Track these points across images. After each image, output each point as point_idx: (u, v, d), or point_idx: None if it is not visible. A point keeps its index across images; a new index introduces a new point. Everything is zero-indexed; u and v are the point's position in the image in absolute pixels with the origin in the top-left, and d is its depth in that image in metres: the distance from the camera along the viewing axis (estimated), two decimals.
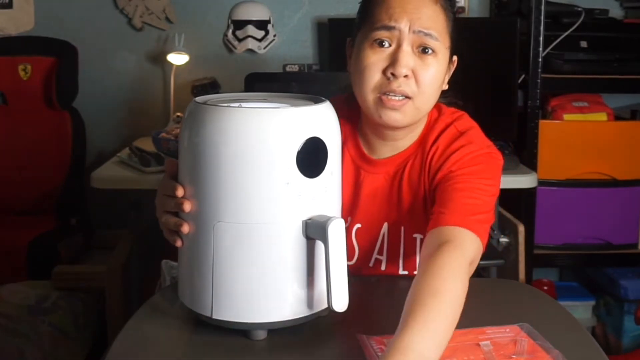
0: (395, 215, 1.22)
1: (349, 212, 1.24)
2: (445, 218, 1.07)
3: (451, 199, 1.11)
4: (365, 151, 1.25)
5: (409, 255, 1.22)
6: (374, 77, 1.14)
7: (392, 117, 1.15)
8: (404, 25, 1.12)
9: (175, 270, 1.62)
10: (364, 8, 1.20)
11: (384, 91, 1.13)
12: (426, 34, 1.12)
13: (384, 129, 1.20)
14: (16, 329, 2.09)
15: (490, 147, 1.20)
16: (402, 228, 1.22)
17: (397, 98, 1.13)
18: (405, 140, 1.23)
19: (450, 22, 1.17)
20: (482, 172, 1.14)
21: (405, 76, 1.12)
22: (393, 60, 1.12)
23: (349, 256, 1.23)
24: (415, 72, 1.13)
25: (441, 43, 1.14)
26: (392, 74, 1.12)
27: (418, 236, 1.22)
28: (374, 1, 1.17)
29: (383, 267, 1.24)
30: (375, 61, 1.13)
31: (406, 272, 1.23)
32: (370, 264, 1.25)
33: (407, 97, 1.13)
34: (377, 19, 1.14)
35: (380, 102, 1.14)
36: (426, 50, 1.13)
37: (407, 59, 1.12)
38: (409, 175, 1.21)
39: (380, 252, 1.24)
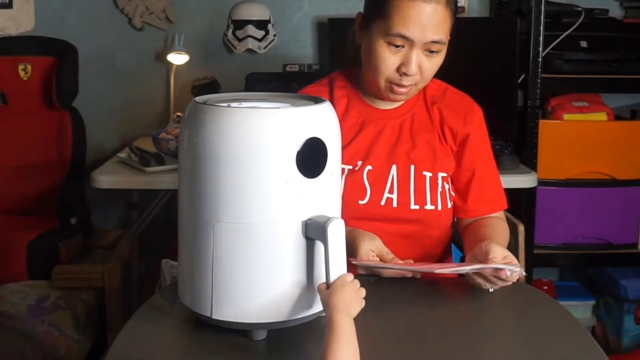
0: (404, 158, 1.39)
1: (360, 157, 1.40)
2: (482, 210, 1.42)
3: (480, 188, 1.41)
4: (372, 105, 1.43)
5: (420, 191, 1.38)
6: (387, 71, 1.31)
7: (399, 98, 1.37)
8: (417, 36, 1.26)
9: (175, 270, 1.62)
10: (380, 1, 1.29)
11: (395, 82, 1.32)
12: (436, 42, 1.28)
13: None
14: (16, 329, 2.09)
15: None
16: (413, 167, 1.39)
17: (404, 89, 1.32)
18: None
19: (454, 15, 1.31)
20: (486, 132, 1.45)
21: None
22: (406, 62, 1.29)
23: (361, 196, 1.37)
24: (422, 67, 1.30)
25: (445, 42, 1.30)
26: (404, 73, 1.29)
27: (427, 174, 1.39)
28: (390, 2, 1.26)
29: (395, 204, 1.37)
30: (389, 59, 1.29)
31: (417, 207, 1.37)
32: (382, 203, 1.37)
33: (412, 84, 1.33)
34: (393, 24, 1.26)
35: (390, 88, 1.33)
36: (433, 52, 1.29)
37: (418, 61, 1.29)
38: (418, 123, 1.41)
39: (390, 191, 1.38)
